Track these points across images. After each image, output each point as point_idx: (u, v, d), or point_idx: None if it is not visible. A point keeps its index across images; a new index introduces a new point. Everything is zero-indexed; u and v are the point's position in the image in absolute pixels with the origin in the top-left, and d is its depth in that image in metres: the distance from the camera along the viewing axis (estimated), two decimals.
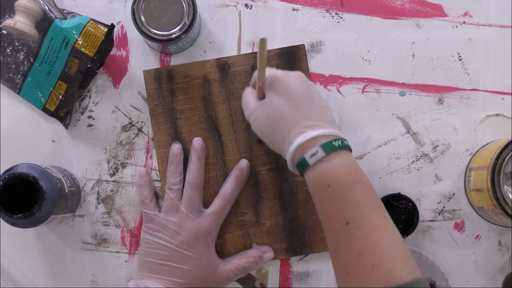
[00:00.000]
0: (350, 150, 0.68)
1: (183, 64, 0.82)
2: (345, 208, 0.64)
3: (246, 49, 0.83)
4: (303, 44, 0.82)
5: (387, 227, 0.64)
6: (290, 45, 0.82)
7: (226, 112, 0.82)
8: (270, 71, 0.72)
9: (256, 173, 0.81)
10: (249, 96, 0.76)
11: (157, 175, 0.82)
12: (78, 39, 0.78)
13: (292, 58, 0.82)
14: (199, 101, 0.82)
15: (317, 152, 0.66)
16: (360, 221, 0.63)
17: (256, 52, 0.82)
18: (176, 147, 0.80)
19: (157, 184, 0.82)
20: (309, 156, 0.66)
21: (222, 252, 0.80)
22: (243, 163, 0.80)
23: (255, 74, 0.76)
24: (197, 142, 0.80)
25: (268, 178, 0.81)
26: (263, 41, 0.68)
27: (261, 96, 0.74)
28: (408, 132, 0.82)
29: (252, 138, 0.81)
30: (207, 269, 0.76)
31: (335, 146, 0.66)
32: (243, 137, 0.81)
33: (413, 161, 0.82)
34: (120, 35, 0.83)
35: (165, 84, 0.82)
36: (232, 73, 0.82)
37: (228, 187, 0.79)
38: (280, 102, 0.70)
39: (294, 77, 0.71)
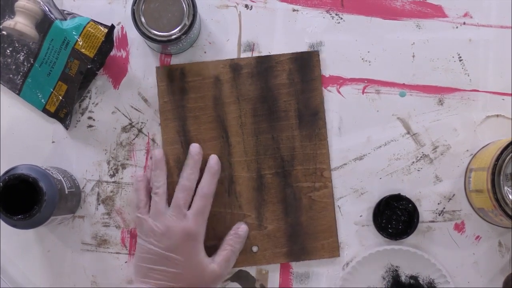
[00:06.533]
0: None
1: (196, 63, 0.82)
2: None
3: (246, 50, 0.83)
4: (317, 51, 0.82)
5: None
6: (291, 45, 0.82)
7: (236, 114, 0.82)
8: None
9: (261, 176, 0.81)
10: None
11: None
12: (78, 40, 0.78)
13: (305, 64, 0.82)
14: (209, 100, 0.82)
15: None
16: None
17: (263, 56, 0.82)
18: (158, 152, 0.79)
19: None
20: None
21: None
22: (212, 159, 0.80)
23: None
24: (194, 148, 0.79)
25: (272, 182, 0.81)
26: None
27: None
28: (408, 133, 0.82)
29: (260, 141, 0.81)
30: (196, 271, 0.76)
31: None
32: (251, 139, 0.81)
33: (413, 162, 0.82)
34: (120, 36, 0.83)
35: (176, 82, 0.82)
36: (244, 74, 0.82)
37: (204, 184, 0.78)
38: None
39: None
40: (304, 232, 0.81)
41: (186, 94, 0.82)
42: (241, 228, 0.80)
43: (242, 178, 0.81)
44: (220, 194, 0.81)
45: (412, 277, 0.81)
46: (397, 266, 0.81)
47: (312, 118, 0.81)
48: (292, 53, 0.82)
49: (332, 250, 0.81)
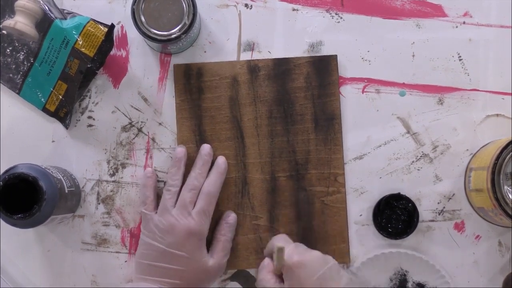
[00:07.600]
0: None
1: (213, 62, 0.82)
2: None
3: (246, 49, 0.83)
4: (336, 55, 0.82)
5: None
6: (291, 45, 0.82)
7: (252, 115, 0.82)
8: (288, 256, 0.71)
9: (275, 178, 0.81)
10: (267, 274, 0.74)
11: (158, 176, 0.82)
12: (78, 39, 0.78)
13: (323, 67, 0.81)
14: (225, 101, 0.82)
15: None
16: None
17: (287, 58, 0.82)
18: (180, 151, 0.79)
19: (162, 185, 0.82)
20: None
21: (233, 254, 0.80)
22: (220, 158, 0.80)
23: (269, 245, 0.76)
24: (204, 148, 0.80)
25: (286, 185, 0.81)
26: (280, 250, 0.71)
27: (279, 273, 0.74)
28: (408, 132, 0.82)
29: (275, 143, 0.81)
30: (200, 267, 0.76)
31: None
32: (266, 141, 0.81)
33: (413, 161, 0.82)
34: (120, 35, 0.83)
35: (193, 81, 0.82)
36: (262, 76, 0.82)
37: (210, 183, 0.79)
38: None
39: (310, 268, 0.71)
40: (315, 237, 0.81)
41: (202, 93, 0.82)
42: (231, 217, 0.80)
43: (256, 180, 0.81)
44: (233, 195, 0.81)
45: (419, 284, 0.81)
46: (406, 271, 0.81)
47: (328, 123, 0.81)
48: (311, 57, 0.82)
49: (343, 255, 0.81)
